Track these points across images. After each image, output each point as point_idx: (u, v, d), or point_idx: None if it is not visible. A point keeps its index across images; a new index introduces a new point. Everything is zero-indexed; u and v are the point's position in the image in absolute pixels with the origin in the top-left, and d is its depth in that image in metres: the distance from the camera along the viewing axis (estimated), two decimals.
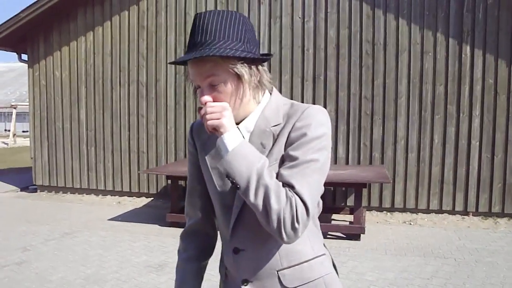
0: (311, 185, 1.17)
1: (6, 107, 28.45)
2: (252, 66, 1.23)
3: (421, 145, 6.99)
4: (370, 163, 7.18)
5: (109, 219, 6.96)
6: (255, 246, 1.30)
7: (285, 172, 1.18)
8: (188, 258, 1.47)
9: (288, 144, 1.22)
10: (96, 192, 8.84)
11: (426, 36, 6.88)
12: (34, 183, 9.40)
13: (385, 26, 7.04)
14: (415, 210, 7.02)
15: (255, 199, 1.14)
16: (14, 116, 26.23)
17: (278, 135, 1.25)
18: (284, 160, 1.22)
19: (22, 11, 8.44)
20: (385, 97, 7.09)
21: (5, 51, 9.59)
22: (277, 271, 1.29)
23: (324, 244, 1.42)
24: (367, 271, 4.60)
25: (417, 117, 6.98)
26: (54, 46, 8.91)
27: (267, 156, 1.23)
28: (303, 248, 1.31)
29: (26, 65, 9.33)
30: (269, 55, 1.33)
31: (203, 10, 7.97)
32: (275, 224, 1.13)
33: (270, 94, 1.33)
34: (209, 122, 1.16)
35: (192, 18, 7.83)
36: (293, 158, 1.19)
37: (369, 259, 4.96)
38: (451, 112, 6.85)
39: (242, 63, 1.20)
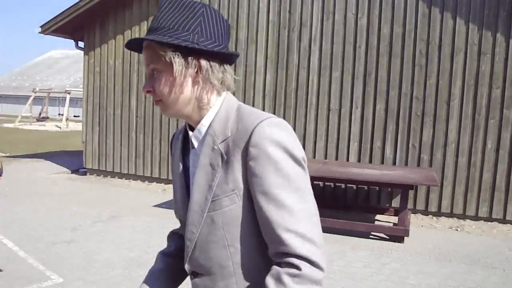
0: (316, 236, 1.06)
1: (61, 92, 29.65)
2: (189, 58, 1.10)
3: (472, 149, 6.74)
4: (418, 165, 7.00)
5: (154, 206, 7.13)
6: (212, 276, 1.19)
7: (286, 236, 1.03)
8: (167, 253, 1.42)
9: (251, 176, 1.07)
10: (143, 178, 9.07)
11: (485, 37, 6.61)
12: (84, 166, 9.76)
13: (441, 25, 6.82)
14: (463, 216, 6.80)
15: None
16: (67, 101, 27.31)
17: (227, 154, 1.11)
18: (257, 197, 1.07)
19: (81, 0, 8.75)
20: (437, 98, 6.89)
21: (63, 38, 9.97)
22: None
23: None
24: (409, 274, 4.51)
25: (470, 121, 6.73)
26: (109, 34, 9.18)
27: (218, 181, 1.11)
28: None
29: (81, 52, 9.67)
30: (233, 54, 1.17)
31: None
32: None
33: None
34: None
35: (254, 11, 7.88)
36: (280, 204, 1.04)
37: (413, 263, 4.85)
38: (508, 117, 6.57)
39: (173, 52, 1.09)
